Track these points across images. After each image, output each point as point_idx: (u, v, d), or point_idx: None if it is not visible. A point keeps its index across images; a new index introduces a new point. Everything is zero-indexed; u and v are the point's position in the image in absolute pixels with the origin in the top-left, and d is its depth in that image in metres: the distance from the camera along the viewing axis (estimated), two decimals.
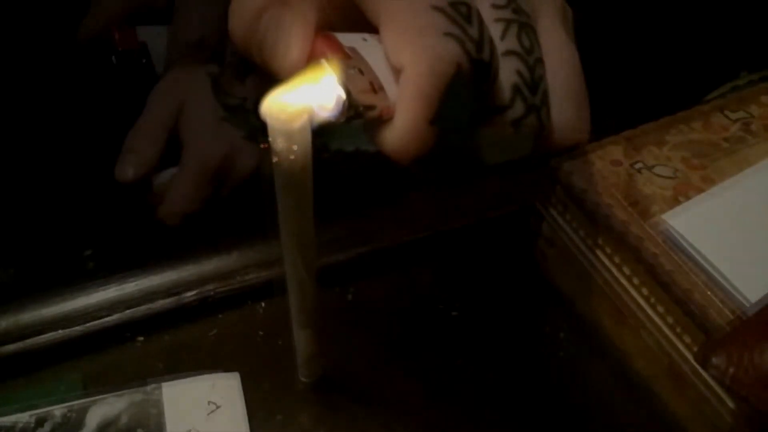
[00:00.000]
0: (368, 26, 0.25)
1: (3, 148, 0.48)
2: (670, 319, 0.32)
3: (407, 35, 0.24)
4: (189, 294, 0.36)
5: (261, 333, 0.36)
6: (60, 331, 0.34)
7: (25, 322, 0.34)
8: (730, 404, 0.30)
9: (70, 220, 0.46)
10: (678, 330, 0.31)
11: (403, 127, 0.24)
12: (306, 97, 0.23)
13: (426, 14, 0.24)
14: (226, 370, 0.34)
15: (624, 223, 0.33)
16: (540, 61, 0.26)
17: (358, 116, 0.24)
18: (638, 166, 0.36)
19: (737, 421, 0.30)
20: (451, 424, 0.33)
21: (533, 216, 0.38)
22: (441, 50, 0.23)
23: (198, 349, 0.35)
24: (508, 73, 0.26)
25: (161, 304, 0.36)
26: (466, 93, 0.25)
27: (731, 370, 0.27)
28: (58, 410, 0.32)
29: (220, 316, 0.36)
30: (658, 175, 0.35)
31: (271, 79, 0.24)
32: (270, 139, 0.22)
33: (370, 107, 0.24)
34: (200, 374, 0.33)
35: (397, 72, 0.24)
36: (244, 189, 0.47)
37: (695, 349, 0.30)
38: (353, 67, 0.24)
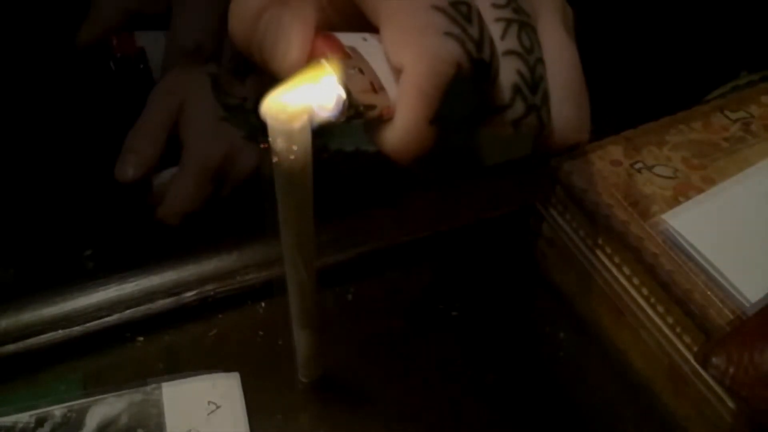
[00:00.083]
0: (368, 26, 0.25)
1: (4, 149, 0.48)
2: (670, 319, 0.32)
3: (407, 35, 0.24)
4: (189, 294, 0.36)
5: (261, 333, 0.36)
6: (60, 331, 0.34)
7: (25, 322, 0.34)
8: (730, 404, 0.30)
9: (70, 220, 0.46)
10: (678, 330, 0.31)
11: (403, 127, 0.24)
12: (306, 97, 0.23)
13: (426, 14, 0.24)
14: (226, 370, 0.34)
15: (624, 223, 0.33)
16: (540, 60, 0.26)
17: (359, 116, 0.24)
18: (638, 166, 0.36)
19: (737, 421, 0.30)
20: (450, 424, 0.33)
21: (533, 216, 0.38)
22: (441, 50, 0.23)
23: (198, 349, 0.35)
24: (508, 72, 0.26)
25: (161, 304, 0.36)
26: (466, 93, 0.25)
27: (731, 370, 0.27)
28: (58, 410, 0.32)
29: (220, 316, 0.36)
30: (658, 175, 0.35)
31: (271, 79, 0.24)
32: (270, 139, 0.22)
33: (371, 107, 0.24)
34: (200, 374, 0.33)
35: (397, 72, 0.24)
36: (244, 189, 0.47)
37: (695, 349, 0.30)
38: (353, 66, 0.24)
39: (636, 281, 0.33)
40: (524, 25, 0.26)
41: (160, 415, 0.32)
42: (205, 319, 0.36)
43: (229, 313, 0.37)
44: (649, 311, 0.33)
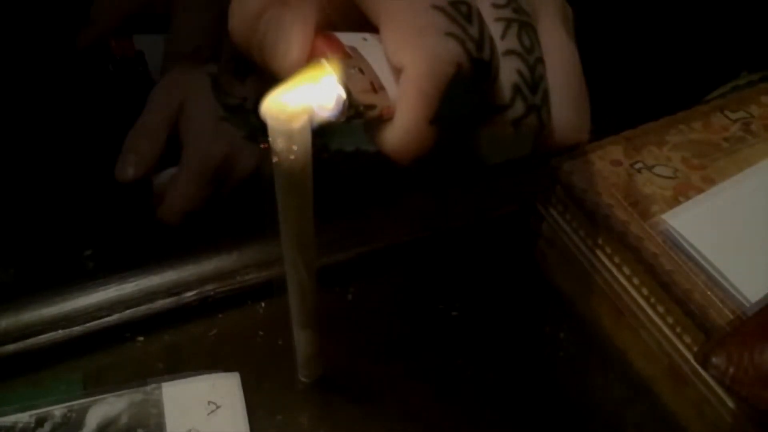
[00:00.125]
0: (369, 26, 0.25)
1: (4, 150, 0.48)
2: (670, 319, 0.32)
3: (407, 35, 0.24)
4: (189, 294, 0.36)
5: (261, 333, 0.36)
6: (60, 331, 0.34)
7: (25, 322, 0.34)
8: (730, 404, 0.30)
9: (70, 220, 0.46)
10: (678, 330, 0.31)
11: (403, 127, 0.24)
12: (306, 96, 0.23)
13: (426, 14, 0.24)
14: (226, 370, 0.34)
15: (624, 223, 0.33)
16: (540, 60, 0.26)
17: (359, 116, 0.24)
18: (638, 166, 0.36)
19: (737, 421, 0.30)
20: (451, 424, 0.33)
21: (533, 216, 0.38)
22: (441, 50, 0.23)
23: (198, 349, 0.35)
24: (508, 72, 0.26)
25: (161, 304, 0.36)
26: (466, 92, 0.25)
27: (731, 370, 0.27)
28: (58, 410, 0.32)
29: (220, 316, 0.36)
30: (658, 175, 0.35)
31: (271, 79, 0.24)
32: (270, 139, 0.22)
33: (371, 107, 0.24)
34: (200, 374, 0.33)
35: (397, 71, 0.24)
36: (244, 189, 0.47)
37: (695, 349, 0.30)
38: (354, 66, 0.24)
39: (636, 281, 0.33)
40: (524, 24, 0.26)
41: (160, 415, 0.32)
42: (205, 319, 0.36)
43: (229, 313, 0.37)
44: (649, 311, 0.33)
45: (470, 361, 0.35)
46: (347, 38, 0.25)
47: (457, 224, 0.40)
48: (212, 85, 0.45)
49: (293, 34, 0.25)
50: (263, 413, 0.33)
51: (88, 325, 0.35)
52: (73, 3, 0.52)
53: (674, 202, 0.34)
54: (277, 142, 0.22)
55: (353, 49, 0.25)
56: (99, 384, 0.33)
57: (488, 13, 0.26)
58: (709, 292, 0.31)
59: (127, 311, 0.35)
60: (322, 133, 0.23)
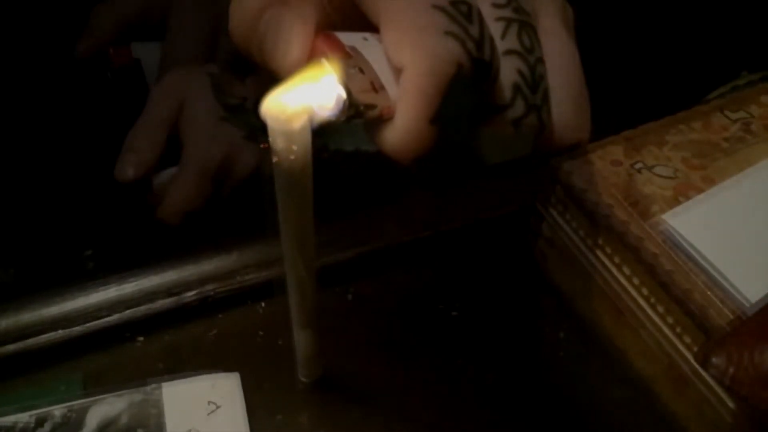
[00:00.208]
0: (369, 25, 0.25)
1: (4, 150, 0.48)
2: (670, 319, 0.32)
3: (408, 34, 0.24)
4: (189, 294, 0.36)
5: (261, 333, 0.36)
6: (60, 331, 0.34)
7: (25, 322, 0.34)
8: (730, 404, 0.30)
9: (70, 220, 0.46)
10: (678, 330, 0.31)
11: (403, 127, 0.24)
12: (306, 96, 0.23)
13: (426, 13, 0.24)
14: (226, 370, 0.34)
15: (624, 223, 0.33)
16: (540, 60, 0.26)
17: (359, 115, 0.24)
18: (638, 166, 0.36)
19: (737, 421, 0.30)
20: (451, 424, 0.33)
21: (533, 216, 0.38)
22: (441, 49, 0.23)
23: (198, 349, 0.35)
24: (508, 72, 0.26)
25: (161, 304, 0.36)
26: (466, 92, 0.25)
27: (731, 370, 0.27)
28: (58, 410, 0.32)
29: (220, 316, 0.36)
30: (658, 175, 0.35)
31: (271, 79, 0.24)
32: (270, 139, 0.22)
33: (371, 106, 0.24)
34: (200, 374, 0.33)
35: (397, 71, 0.24)
36: (244, 189, 0.47)
37: (695, 349, 0.30)
38: (354, 66, 0.24)
39: (636, 281, 0.33)
40: (524, 24, 0.26)
41: (160, 415, 0.32)
42: (205, 319, 0.36)
43: (229, 313, 0.37)
44: (649, 311, 0.33)
45: (470, 361, 0.35)
46: (347, 38, 0.25)
47: (457, 224, 0.40)
48: (212, 85, 0.45)
49: (293, 34, 0.25)
50: (263, 413, 0.33)
51: (88, 325, 0.35)
52: (73, 11, 0.53)
53: (674, 202, 0.34)
54: (277, 142, 0.22)
55: (353, 48, 0.25)
56: (99, 384, 0.33)
57: (488, 13, 0.26)
58: (709, 292, 0.31)
59: (127, 311, 0.35)
60: (322, 133, 0.23)
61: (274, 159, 0.23)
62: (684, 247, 0.32)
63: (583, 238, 0.35)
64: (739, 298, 0.30)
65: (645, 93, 0.52)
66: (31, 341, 0.34)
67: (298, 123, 0.22)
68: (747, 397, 0.27)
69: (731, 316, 0.30)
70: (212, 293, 0.36)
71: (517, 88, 0.26)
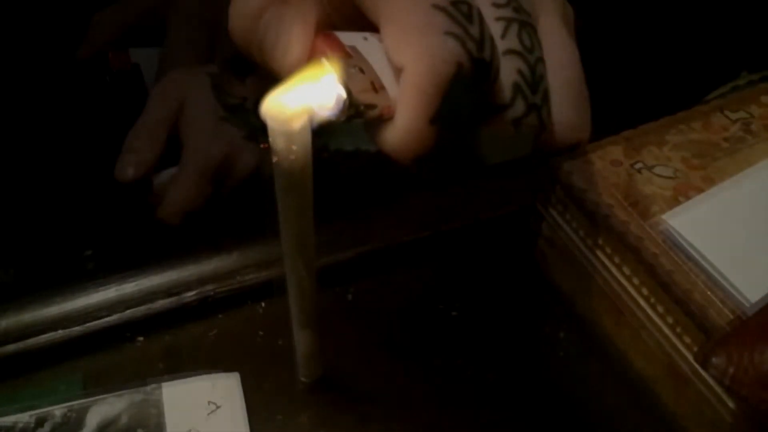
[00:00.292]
0: (369, 25, 0.25)
1: (5, 151, 0.48)
2: (670, 319, 0.32)
3: (408, 34, 0.24)
4: (189, 294, 0.36)
5: (261, 333, 0.36)
6: (60, 331, 0.34)
7: (25, 322, 0.34)
8: (730, 404, 0.30)
9: (70, 220, 0.46)
10: (678, 330, 0.31)
11: (403, 127, 0.24)
12: (306, 96, 0.23)
13: (427, 13, 0.24)
14: (226, 370, 0.34)
15: (624, 223, 0.33)
16: (541, 60, 0.26)
17: (359, 115, 0.24)
18: (638, 166, 0.36)
19: (737, 421, 0.30)
20: (451, 424, 0.33)
21: (533, 216, 0.38)
22: (442, 49, 0.23)
23: (198, 349, 0.35)
24: (508, 72, 0.26)
25: (161, 304, 0.36)
26: (466, 92, 0.24)
27: (731, 370, 0.27)
28: (58, 410, 0.32)
29: (220, 316, 0.36)
30: (658, 175, 0.35)
31: (271, 79, 0.24)
32: (270, 139, 0.22)
33: (371, 106, 0.24)
34: (200, 374, 0.33)
35: (398, 71, 0.24)
36: (244, 189, 0.47)
37: (695, 349, 0.30)
38: (354, 66, 0.24)
39: (636, 281, 0.33)
40: (525, 24, 0.26)
41: (160, 415, 0.32)
42: (205, 319, 0.36)
43: (229, 313, 0.37)
44: (649, 311, 0.33)
45: (470, 361, 0.35)
46: (347, 38, 0.25)
47: (457, 224, 0.40)
48: (212, 85, 0.45)
49: (293, 34, 0.25)
50: (263, 413, 0.33)
51: (88, 325, 0.35)
52: (73, 16, 0.53)
53: (674, 202, 0.34)
54: (277, 142, 0.22)
55: (353, 48, 0.25)
56: (99, 384, 0.33)
57: (488, 13, 0.26)
58: (709, 292, 0.31)
59: (127, 311, 0.35)
60: (322, 133, 0.23)
61: (274, 159, 0.23)
62: (684, 247, 0.32)
63: (583, 238, 0.35)
64: (739, 298, 0.30)
65: (645, 93, 0.52)
66: (31, 341, 0.34)
67: (298, 123, 0.22)
68: (747, 397, 0.27)
69: (731, 316, 0.30)
70: (212, 293, 0.36)
71: (517, 88, 0.26)
